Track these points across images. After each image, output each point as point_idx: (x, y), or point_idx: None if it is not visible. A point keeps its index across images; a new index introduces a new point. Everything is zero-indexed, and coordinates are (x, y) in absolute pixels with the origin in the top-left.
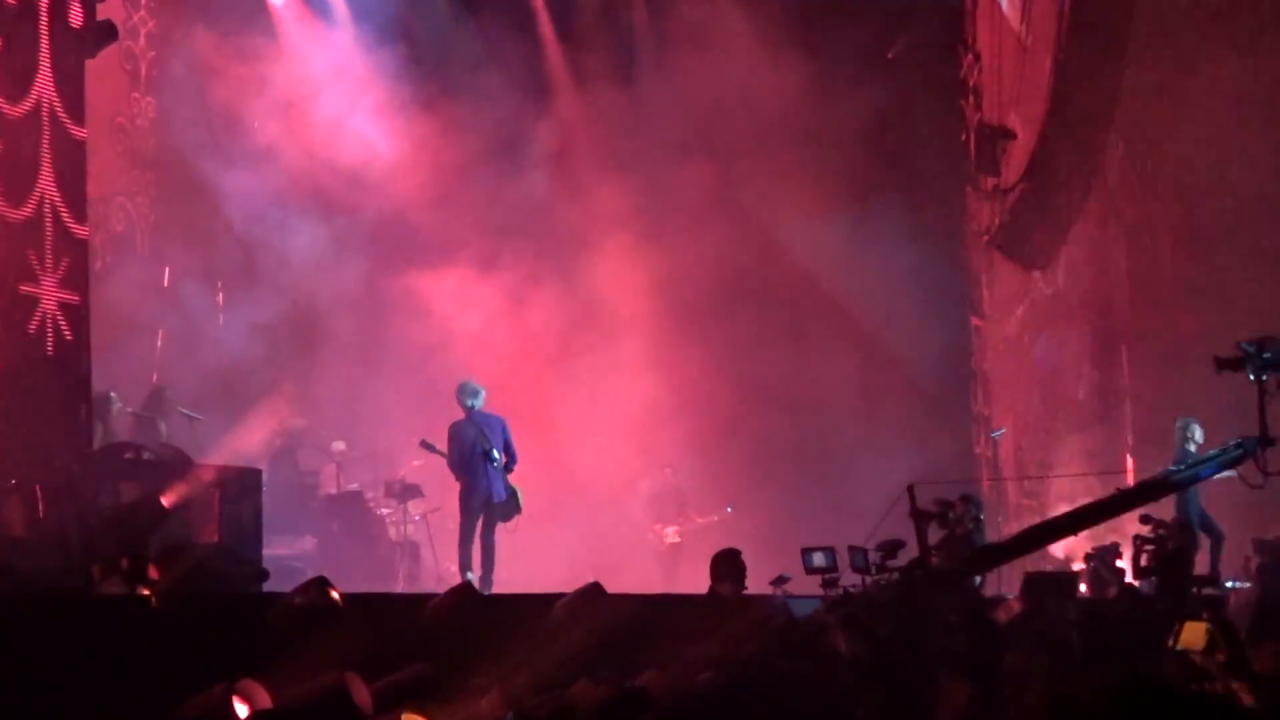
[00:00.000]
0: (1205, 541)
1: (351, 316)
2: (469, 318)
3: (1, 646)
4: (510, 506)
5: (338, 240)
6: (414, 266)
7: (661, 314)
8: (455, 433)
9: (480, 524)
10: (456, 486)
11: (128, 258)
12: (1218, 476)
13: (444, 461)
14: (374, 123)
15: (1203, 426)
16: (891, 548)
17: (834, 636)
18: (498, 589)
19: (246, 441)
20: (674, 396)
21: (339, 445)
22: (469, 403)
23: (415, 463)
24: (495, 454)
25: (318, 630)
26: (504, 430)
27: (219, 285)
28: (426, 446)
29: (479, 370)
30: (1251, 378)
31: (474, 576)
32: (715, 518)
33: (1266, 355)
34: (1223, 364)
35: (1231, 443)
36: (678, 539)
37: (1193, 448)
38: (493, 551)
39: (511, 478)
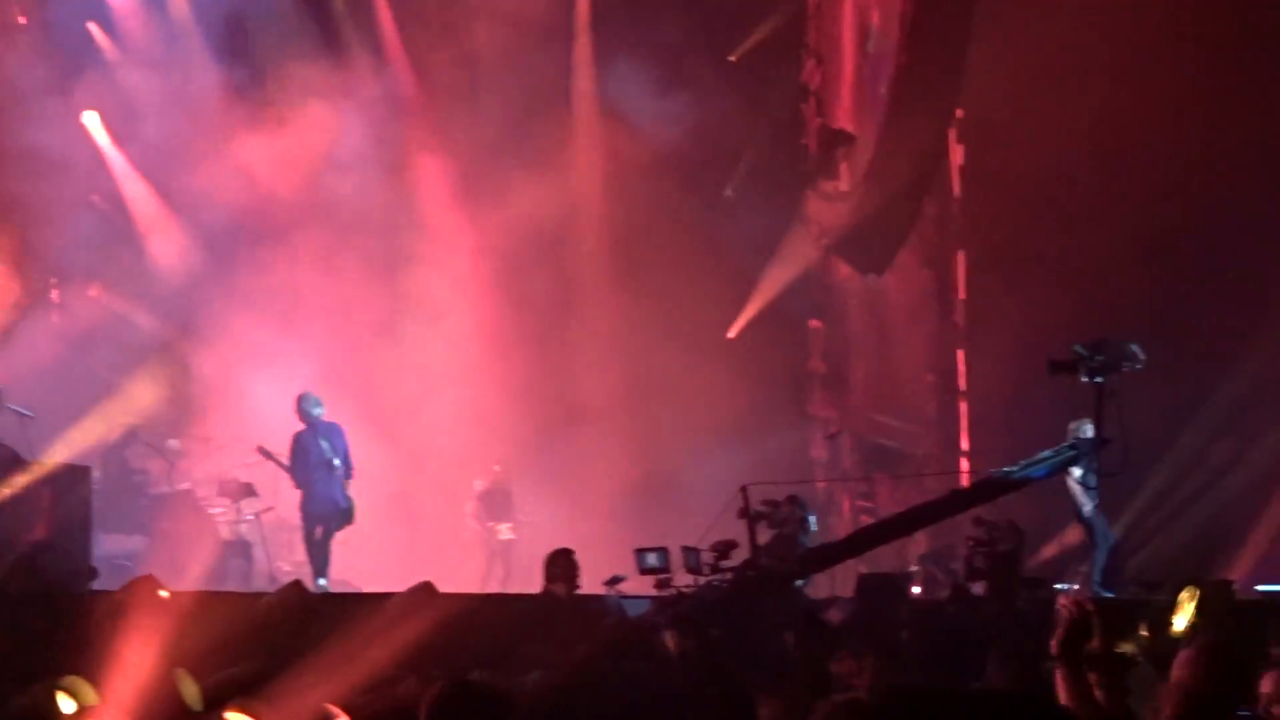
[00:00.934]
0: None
1: (183, 317)
2: (302, 318)
3: None
4: (347, 515)
5: (168, 240)
6: (248, 267)
7: (494, 312)
8: (299, 442)
9: (320, 532)
10: (290, 486)
11: None
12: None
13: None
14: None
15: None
16: (724, 548)
17: (665, 637)
18: (331, 588)
19: (78, 439)
20: (507, 395)
21: (173, 443)
22: (313, 412)
23: (248, 462)
24: (337, 463)
25: (146, 628)
26: (343, 440)
27: (51, 283)
28: (265, 453)
29: (309, 369)
30: (1085, 379)
31: (325, 582)
32: (534, 518)
33: (1100, 358)
34: (1056, 367)
35: (1065, 444)
36: (511, 535)
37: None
38: (329, 556)
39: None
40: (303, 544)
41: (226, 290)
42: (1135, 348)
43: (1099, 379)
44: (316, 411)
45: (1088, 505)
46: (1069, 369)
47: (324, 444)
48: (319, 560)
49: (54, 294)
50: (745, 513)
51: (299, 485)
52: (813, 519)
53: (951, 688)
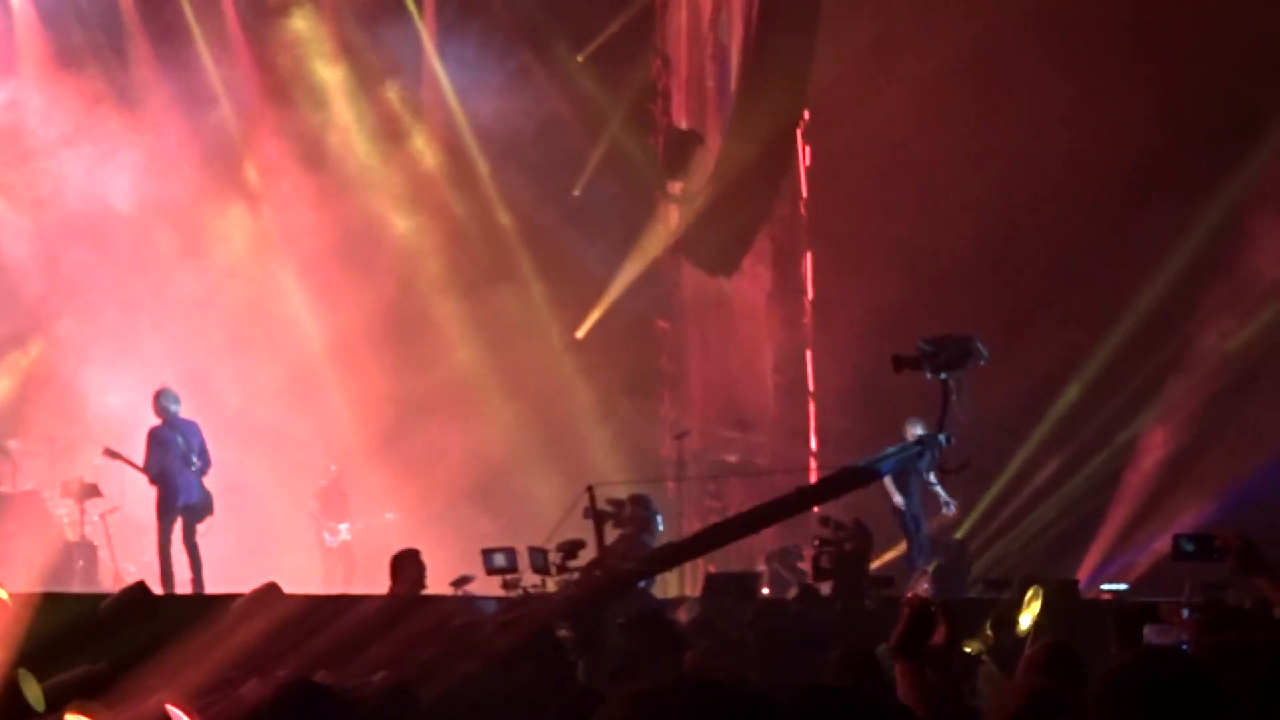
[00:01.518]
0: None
1: (28, 312)
2: (145, 319)
3: None
4: (206, 507)
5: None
6: (86, 265)
7: (334, 311)
8: (156, 437)
9: (180, 528)
10: (137, 486)
11: None
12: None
13: (121, 462)
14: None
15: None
16: (571, 548)
17: (512, 638)
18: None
19: None
20: (347, 394)
21: (13, 443)
22: (171, 408)
23: (95, 463)
24: (194, 459)
25: None
26: (199, 435)
27: None
28: (112, 454)
29: (150, 370)
30: (929, 375)
31: (187, 579)
32: (368, 520)
33: (944, 353)
34: (901, 362)
35: (912, 440)
36: (349, 536)
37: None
38: (198, 551)
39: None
40: (156, 543)
41: (65, 288)
42: (979, 344)
43: (943, 375)
44: (174, 408)
45: (898, 497)
46: (913, 365)
47: (180, 440)
48: (172, 560)
49: None
50: (591, 512)
51: (154, 480)
52: (659, 519)
53: (742, 683)
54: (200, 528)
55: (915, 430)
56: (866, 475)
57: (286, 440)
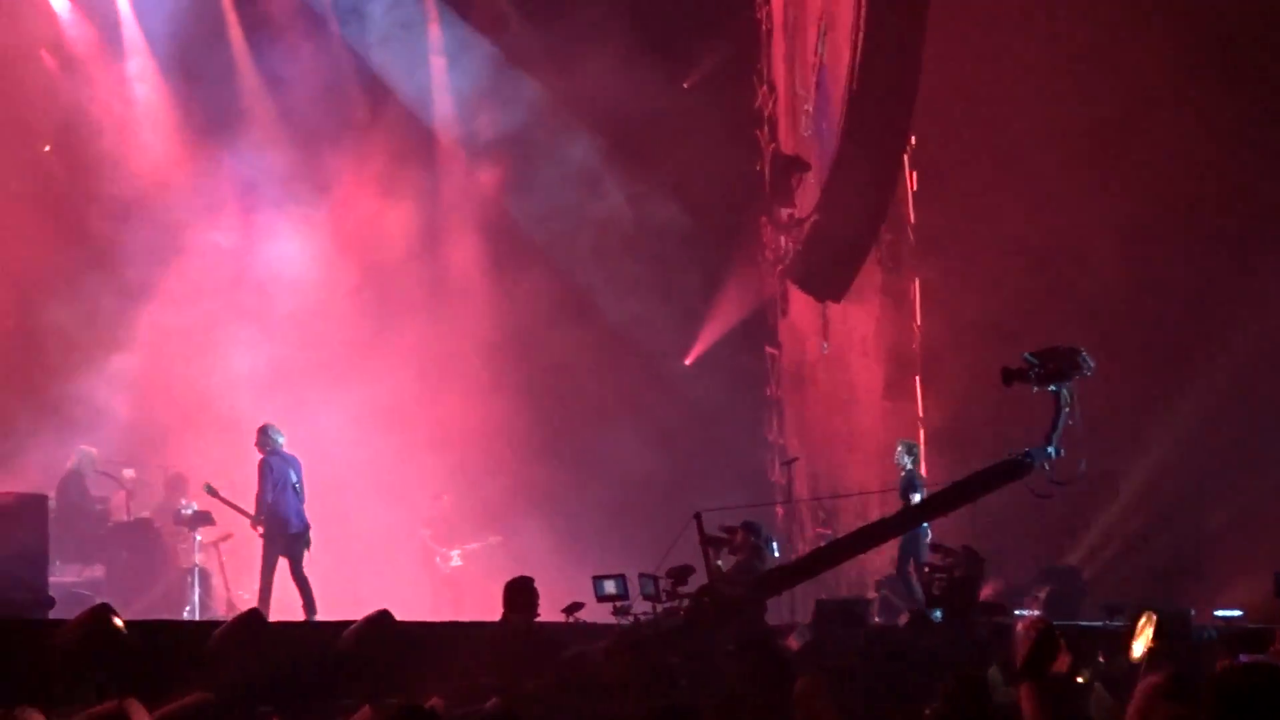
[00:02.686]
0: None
1: (137, 345)
2: (253, 350)
3: None
4: (307, 539)
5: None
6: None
7: (445, 342)
8: (268, 467)
9: (289, 562)
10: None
11: None
12: None
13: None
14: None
15: (911, 451)
16: (681, 574)
17: (622, 665)
18: (282, 616)
19: (31, 466)
20: (457, 424)
21: (129, 472)
22: (278, 439)
23: (205, 491)
24: (300, 489)
25: (100, 657)
26: (299, 470)
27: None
28: (211, 492)
29: (264, 401)
30: (1036, 389)
31: (298, 608)
32: (477, 545)
33: (1050, 365)
34: (1010, 375)
35: (1018, 453)
36: (460, 563)
37: (907, 465)
38: (308, 582)
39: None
40: (260, 570)
41: (183, 323)
42: (1085, 355)
43: (1052, 387)
44: (279, 440)
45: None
46: (1022, 377)
47: (290, 471)
48: (272, 588)
49: (9, 322)
50: (700, 539)
51: (262, 508)
52: (774, 545)
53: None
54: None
55: (905, 458)
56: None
57: (393, 468)
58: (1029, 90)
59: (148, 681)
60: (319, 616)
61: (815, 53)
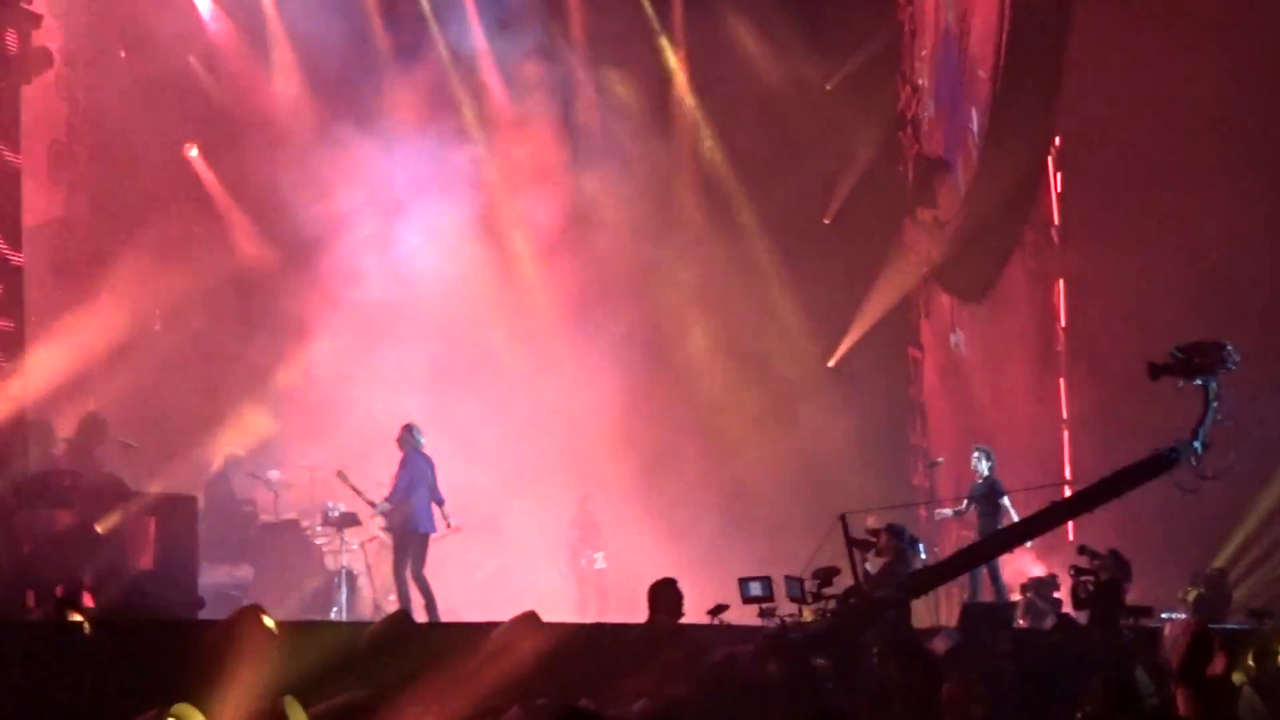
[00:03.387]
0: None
1: (288, 349)
2: (400, 351)
3: None
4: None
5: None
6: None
7: (586, 343)
8: (408, 464)
9: (411, 561)
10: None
11: (64, 284)
12: None
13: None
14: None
15: (990, 457)
16: (826, 576)
17: (769, 668)
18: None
19: (183, 469)
20: (600, 424)
21: (275, 474)
22: (419, 440)
23: (349, 491)
24: (435, 491)
25: (253, 657)
26: (434, 472)
27: (156, 312)
28: (342, 478)
29: (407, 402)
30: (1181, 383)
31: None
32: (628, 548)
33: (1196, 359)
34: (1157, 370)
35: (1164, 448)
36: (605, 565)
37: (985, 472)
38: (428, 583)
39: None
40: (394, 567)
41: (327, 325)
42: (1230, 348)
43: (1198, 380)
44: (420, 440)
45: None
46: (1169, 371)
47: (428, 471)
48: (427, 590)
49: (157, 325)
50: (845, 541)
51: (392, 500)
52: (921, 547)
53: None
54: (435, 564)
55: (983, 463)
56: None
57: (537, 470)
58: (1174, 88)
59: (299, 680)
60: (466, 617)
61: (959, 55)
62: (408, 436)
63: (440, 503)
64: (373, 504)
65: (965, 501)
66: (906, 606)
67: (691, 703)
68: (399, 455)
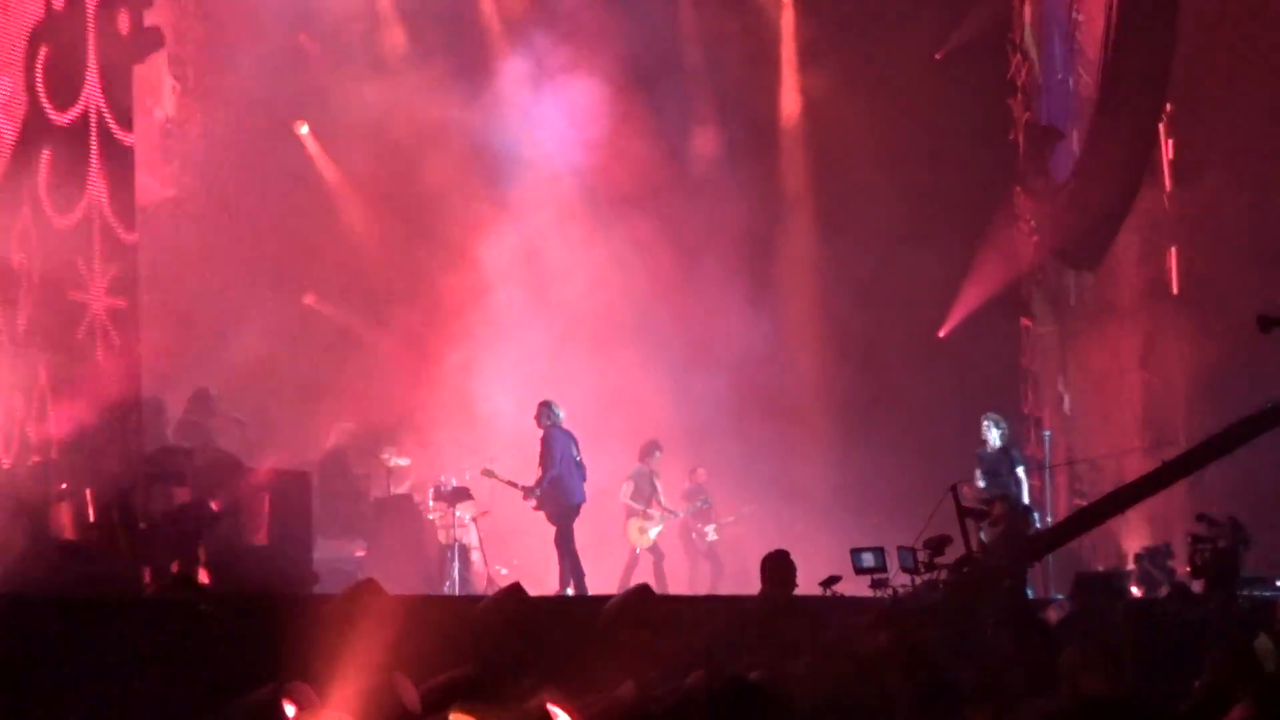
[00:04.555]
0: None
1: (396, 322)
2: (507, 325)
3: (55, 649)
4: (577, 511)
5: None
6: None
7: (697, 313)
8: (552, 439)
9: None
10: (506, 491)
11: (177, 263)
12: None
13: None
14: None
15: (999, 425)
16: (938, 545)
17: (882, 640)
18: (541, 590)
19: (296, 444)
20: (711, 393)
21: (388, 449)
22: (558, 413)
23: (463, 467)
24: (581, 464)
25: (367, 632)
26: (578, 444)
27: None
28: (489, 474)
29: (518, 375)
30: None
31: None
32: (733, 518)
33: None
34: (1268, 322)
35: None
36: (716, 536)
37: (995, 441)
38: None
39: None
40: (557, 544)
41: (433, 299)
42: None
43: None
44: (560, 415)
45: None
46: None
47: (572, 445)
48: (576, 568)
49: (267, 299)
50: (958, 511)
51: (545, 480)
52: (1035, 516)
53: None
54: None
55: (993, 431)
56: (1231, 445)
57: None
58: None
59: (413, 655)
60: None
61: (1069, 21)
62: (547, 412)
63: (584, 476)
64: (527, 489)
65: (976, 474)
66: (1021, 576)
67: (807, 677)
68: (538, 432)
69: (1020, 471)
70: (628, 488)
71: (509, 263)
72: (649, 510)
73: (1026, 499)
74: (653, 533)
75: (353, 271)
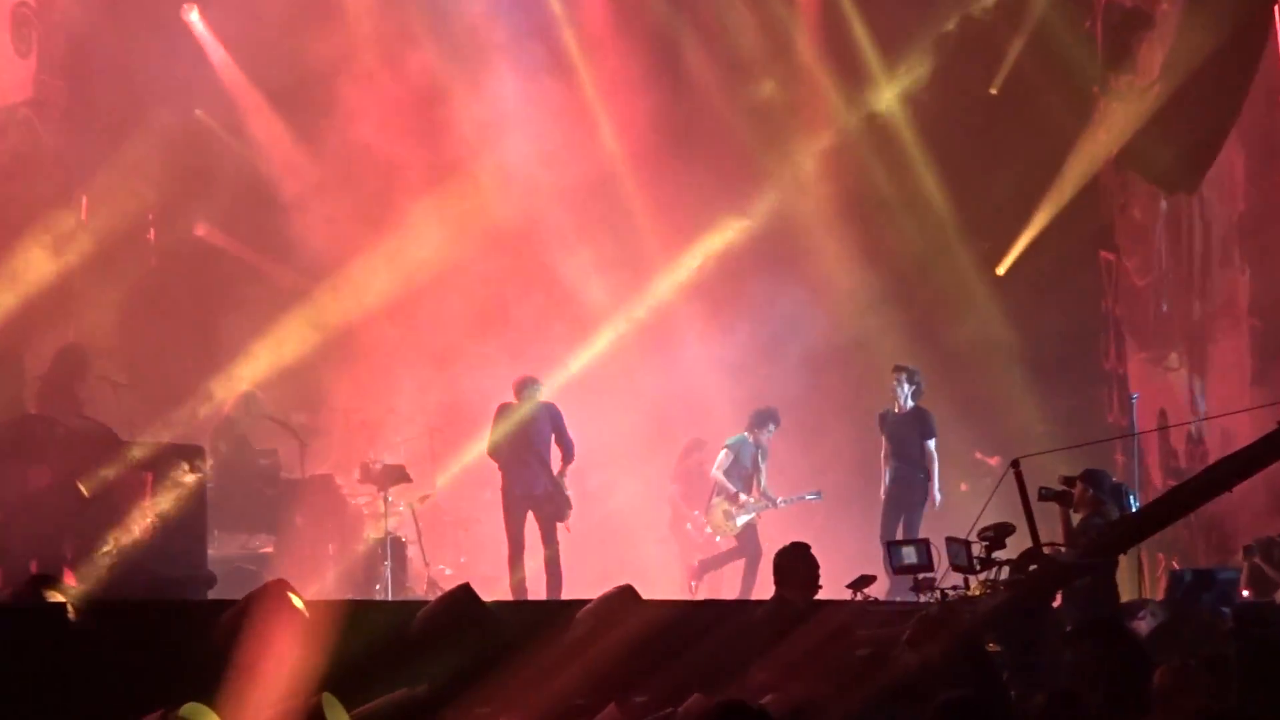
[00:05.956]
0: None
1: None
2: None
3: None
4: (551, 502)
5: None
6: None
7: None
8: (500, 414)
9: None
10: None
11: (33, 180)
12: None
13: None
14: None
15: (913, 380)
16: (998, 536)
17: (928, 654)
18: (497, 594)
19: (184, 413)
20: (715, 344)
21: (302, 419)
22: (521, 393)
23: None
24: (536, 441)
25: (277, 647)
26: (559, 421)
27: (149, 219)
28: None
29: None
30: None
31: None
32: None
33: None
34: None
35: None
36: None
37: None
38: (558, 563)
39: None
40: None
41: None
42: None
43: None
44: (528, 391)
45: None
46: None
47: (532, 423)
48: (521, 567)
49: (151, 233)
50: (1022, 493)
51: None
52: (1131, 498)
53: None
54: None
55: (905, 387)
56: None
57: (639, 404)
58: None
59: (337, 676)
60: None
61: None
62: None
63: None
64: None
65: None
66: (1107, 573)
67: (831, 703)
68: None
69: (930, 445)
70: (725, 458)
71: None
72: (743, 495)
73: None
74: (740, 520)
75: (258, 196)
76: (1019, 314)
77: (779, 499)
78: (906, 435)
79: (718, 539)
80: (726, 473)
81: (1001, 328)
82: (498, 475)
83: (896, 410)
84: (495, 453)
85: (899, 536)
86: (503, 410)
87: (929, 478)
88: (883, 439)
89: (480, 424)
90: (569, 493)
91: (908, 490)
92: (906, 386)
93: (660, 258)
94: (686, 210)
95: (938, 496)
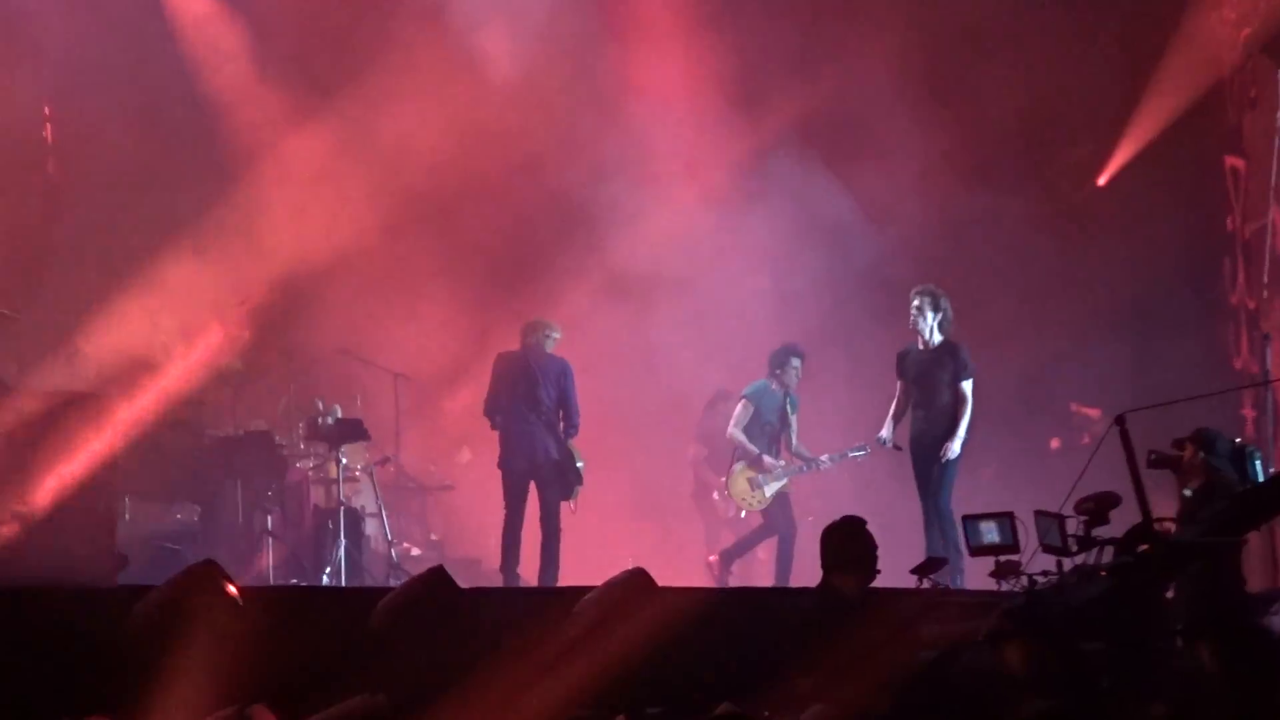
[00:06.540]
0: None
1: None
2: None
3: None
4: (560, 472)
5: None
6: None
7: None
8: (500, 364)
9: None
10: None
11: None
12: None
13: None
14: None
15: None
16: (1099, 509)
17: (1009, 653)
18: (480, 578)
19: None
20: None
21: (235, 364)
22: (529, 338)
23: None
24: (545, 400)
25: (205, 642)
26: (567, 380)
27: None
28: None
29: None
30: None
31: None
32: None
33: None
34: None
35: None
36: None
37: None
38: (556, 548)
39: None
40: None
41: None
42: None
43: None
44: (531, 338)
45: None
46: None
47: (537, 378)
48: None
49: (47, 130)
50: (1128, 456)
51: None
52: (1256, 463)
53: None
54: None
55: (927, 316)
56: None
57: (665, 364)
58: None
59: (279, 677)
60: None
61: None
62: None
63: (541, 412)
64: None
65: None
66: (1231, 556)
67: (890, 716)
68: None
69: (967, 387)
70: (743, 413)
71: None
72: (767, 456)
73: None
74: (770, 489)
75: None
76: (1122, 235)
77: (823, 458)
78: (935, 376)
79: (742, 514)
80: (746, 429)
81: (1100, 248)
82: (488, 437)
83: (921, 346)
84: (491, 413)
85: (934, 507)
86: (503, 360)
87: (954, 424)
88: (899, 384)
89: (460, 373)
90: (580, 465)
91: (937, 448)
92: (930, 315)
93: None
94: None
95: (955, 449)
